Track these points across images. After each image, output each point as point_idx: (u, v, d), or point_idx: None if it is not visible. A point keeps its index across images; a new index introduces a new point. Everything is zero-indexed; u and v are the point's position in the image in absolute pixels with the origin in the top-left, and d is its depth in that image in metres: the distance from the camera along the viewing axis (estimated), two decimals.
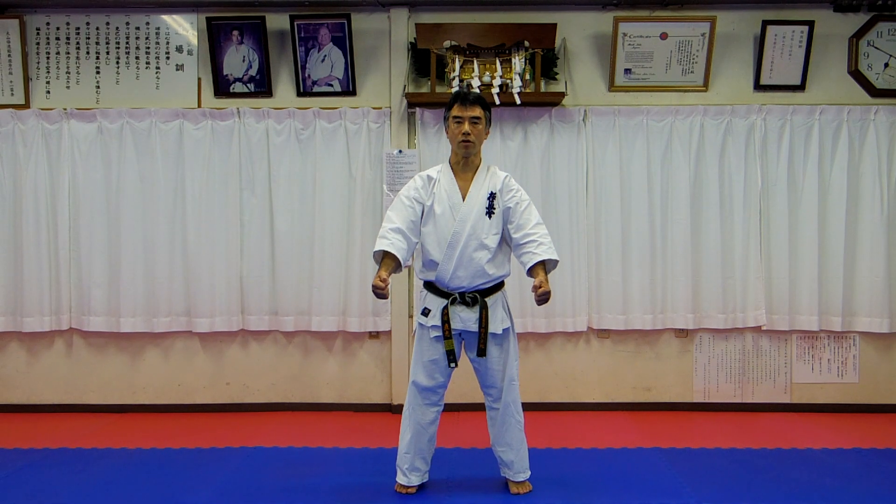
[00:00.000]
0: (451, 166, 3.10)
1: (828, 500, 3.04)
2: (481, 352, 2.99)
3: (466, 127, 2.99)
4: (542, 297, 2.88)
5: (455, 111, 3.02)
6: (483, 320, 2.98)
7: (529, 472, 3.12)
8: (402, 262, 2.98)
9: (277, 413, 4.39)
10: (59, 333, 4.43)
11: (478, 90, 4.05)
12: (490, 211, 3.01)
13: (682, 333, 4.43)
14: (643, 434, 3.95)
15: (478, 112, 3.01)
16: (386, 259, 2.94)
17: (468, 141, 3.00)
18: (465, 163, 3.06)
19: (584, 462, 3.50)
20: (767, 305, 4.35)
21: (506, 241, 3.07)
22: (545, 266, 2.97)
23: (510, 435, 3.07)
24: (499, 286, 3.08)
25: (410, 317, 4.38)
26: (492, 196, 3.02)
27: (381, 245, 2.94)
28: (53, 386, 4.46)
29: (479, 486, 3.18)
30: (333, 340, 4.46)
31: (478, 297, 3.00)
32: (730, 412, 4.37)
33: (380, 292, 2.84)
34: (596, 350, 4.45)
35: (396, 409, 4.35)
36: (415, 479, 3.10)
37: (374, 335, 4.44)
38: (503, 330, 3.03)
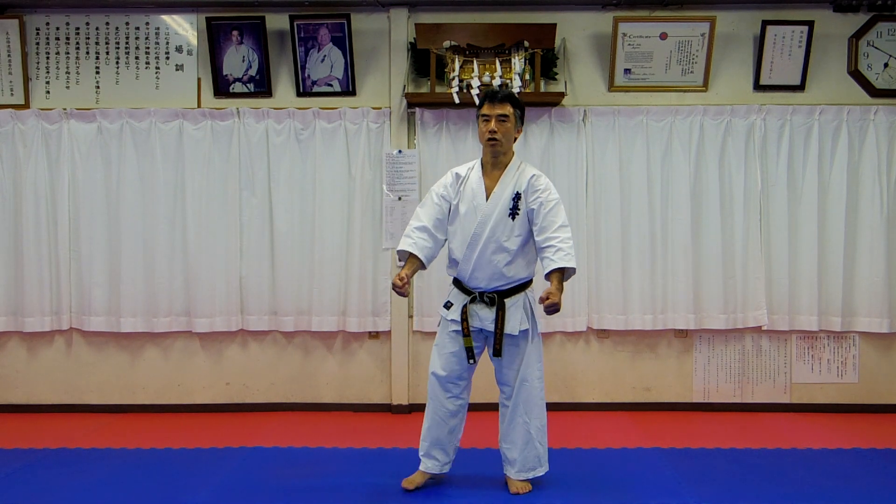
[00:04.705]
0: (481, 164, 3.09)
1: (828, 500, 3.03)
2: (496, 352, 3.01)
3: (493, 125, 2.97)
4: (549, 309, 2.86)
5: (484, 109, 3.00)
6: (499, 321, 2.98)
7: (532, 476, 3.09)
8: (424, 262, 2.99)
9: (277, 413, 4.39)
10: (59, 333, 4.43)
11: (477, 90, 4.06)
12: (514, 212, 2.99)
13: (682, 334, 4.43)
14: (643, 434, 3.94)
15: (506, 110, 2.98)
16: (411, 257, 2.98)
17: (494, 139, 2.98)
18: (493, 161, 3.05)
19: (584, 462, 3.49)
20: (767, 305, 4.34)
21: (533, 241, 3.05)
22: (563, 273, 2.94)
23: (515, 433, 3.07)
24: (520, 287, 3.04)
25: (410, 317, 4.38)
26: (516, 197, 3.00)
27: (403, 244, 2.99)
28: (53, 386, 4.45)
29: (479, 486, 3.17)
30: (333, 340, 4.46)
31: (496, 298, 3.00)
32: (730, 412, 4.37)
33: (398, 290, 2.90)
34: (596, 350, 4.44)
35: (396, 410, 4.35)
36: (431, 467, 3.11)
37: (374, 335, 4.44)
38: (520, 332, 3.00)
